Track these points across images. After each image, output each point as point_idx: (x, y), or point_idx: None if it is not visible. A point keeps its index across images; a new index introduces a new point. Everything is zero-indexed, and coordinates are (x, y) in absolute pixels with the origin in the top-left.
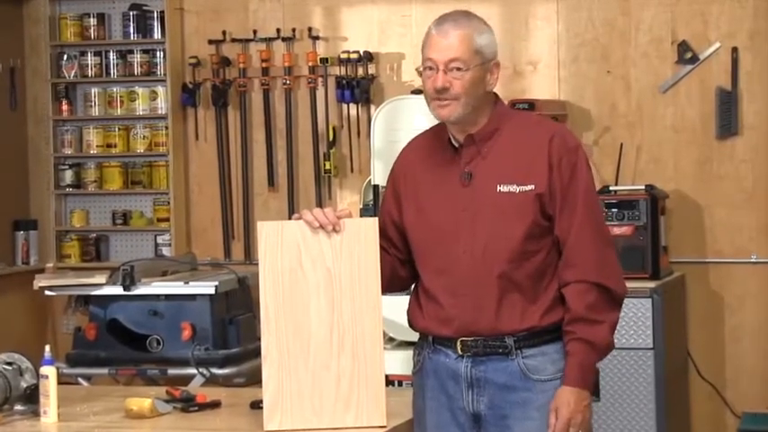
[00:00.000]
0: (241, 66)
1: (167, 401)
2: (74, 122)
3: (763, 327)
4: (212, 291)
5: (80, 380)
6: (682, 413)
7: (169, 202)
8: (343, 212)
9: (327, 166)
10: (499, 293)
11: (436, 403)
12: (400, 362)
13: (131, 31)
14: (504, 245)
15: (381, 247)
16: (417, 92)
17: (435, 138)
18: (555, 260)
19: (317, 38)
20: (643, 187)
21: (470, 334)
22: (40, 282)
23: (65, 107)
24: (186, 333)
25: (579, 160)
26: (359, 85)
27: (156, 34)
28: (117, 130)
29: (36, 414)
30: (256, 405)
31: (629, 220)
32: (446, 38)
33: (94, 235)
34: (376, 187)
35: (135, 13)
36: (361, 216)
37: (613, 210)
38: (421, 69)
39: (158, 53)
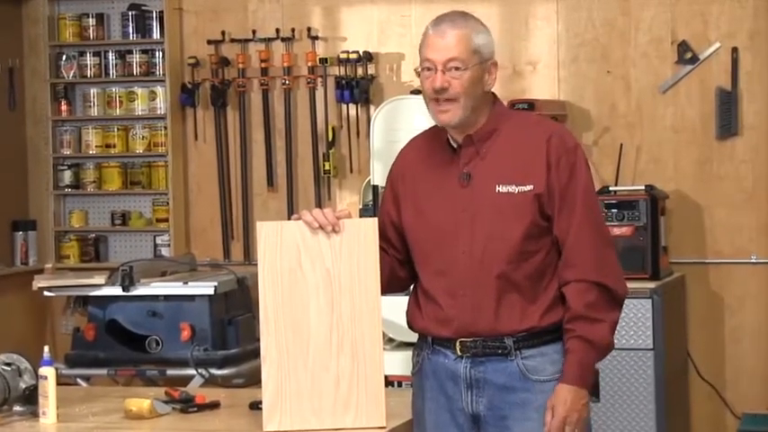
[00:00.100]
0: (240, 66)
1: (166, 402)
2: (73, 123)
3: (763, 327)
4: (211, 291)
5: (79, 380)
6: (682, 414)
7: (168, 203)
8: (342, 213)
9: (327, 167)
10: (498, 294)
11: (435, 404)
12: (399, 362)
13: (130, 31)
14: (502, 245)
15: (380, 248)
16: (417, 92)
17: (434, 138)
18: (554, 260)
19: (316, 38)
20: (643, 187)
21: (469, 335)
22: (38, 282)
23: (64, 107)
24: (185, 334)
25: (578, 160)
26: (358, 85)
27: (155, 34)
28: (116, 130)
29: (35, 415)
30: (255, 406)
31: (629, 220)
32: (444, 38)
33: (93, 235)
34: (375, 188)
35: (134, 13)
36: (360, 216)
37: (613, 210)
38: (419, 70)
39: (157, 53)
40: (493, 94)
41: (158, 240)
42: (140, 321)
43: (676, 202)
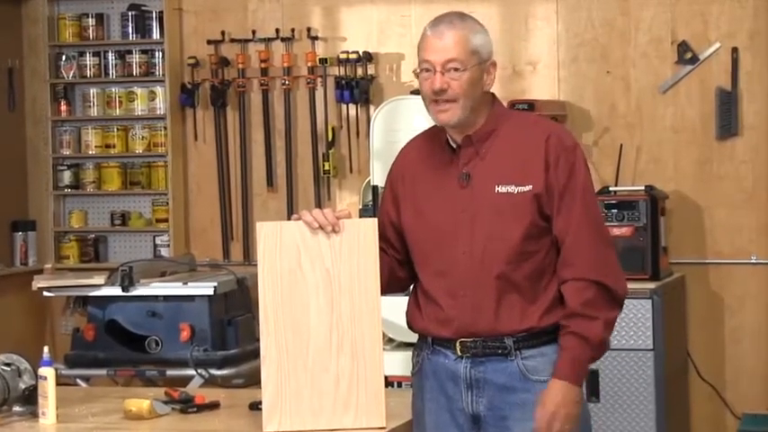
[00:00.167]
0: (240, 66)
1: (166, 402)
2: (72, 123)
3: (763, 328)
4: (211, 291)
5: (79, 381)
6: (682, 414)
7: (168, 203)
8: (342, 213)
9: (326, 167)
10: (498, 294)
11: (435, 404)
12: (399, 363)
13: (130, 31)
14: (502, 246)
15: (380, 249)
16: (416, 92)
17: (433, 139)
18: (554, 261)
19: (316, 38)
20: (643, 188)
21: (469, 335)
22: (38, 283)
23: (63, 107)
24: (185, 334)
25: (577, 160)
26: (358, 85)
27: (155, 34)
28: (116, 130)
29: (34, 415)
30: (255, 406)
31: (629, 220)
32: (442, 39)
33: (93, 236)
34: (375, 188)
35: (134, 13)
36: (360, 217)
37: (613, 210)
38: (418, 72)
39: (157, 53)
40: (492, 94)
41: (158, 241)
42: (140, 322)
43: (676, 202)
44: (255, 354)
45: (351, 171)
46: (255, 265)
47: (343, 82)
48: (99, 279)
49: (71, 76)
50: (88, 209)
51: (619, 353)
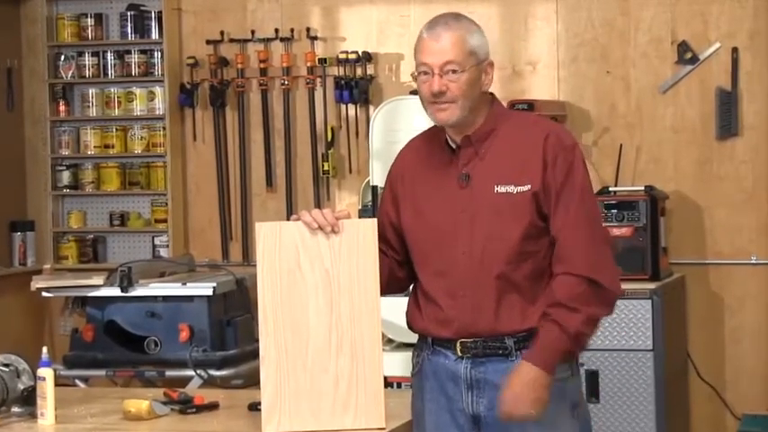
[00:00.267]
0: (239, 66)
1: (165, 403)
2: (71, 123)
3: (763, 328)
4: (210, 292)
5: (77, 381)
6: (681, 415)
7: (167, 203)
8: (341, 213)
9: (326, 167)
10: (498, 294)
11: (435, 405)
12: (399, 363)
13: (129, 31)
14: (501, 246)
15: (379, 249)
16: (416, 92)
17: (433, 139)
18: None
19: (315, 38)
20: (643, 188)
21: (470, 335)
22: (37, 283)
23: (62, 108)
24: (184, 334)
25: (575, 159)
26: (357, 85)
27: (154, 34)
28: (114, 130)
29: (33, 416)
30: (254, 407)
31: (629, 221)
32: (439, 41)
33: (92, 236)
34: (375, 188)
35: (132, 13)
36: (359, 217)
37: (613, 211)
38: (416, 74)
39: (156, 53)
40: (491, 94)
41: (157, 241)
42: (139, 322)
43: (676, 202)
44: (255, 354)
45: (350, 171)
46: (254, 265)
47: (343, 82)
48: (98, 279)
49: (70, 76)
50: (87, 209)
51: (618, 353)
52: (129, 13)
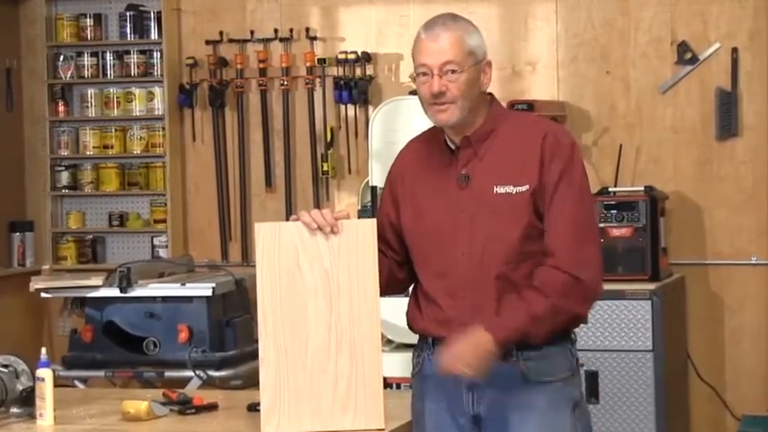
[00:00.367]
0: (238, 66)
1: (164, 404)
2: (70, 123)
3: (763, 329)
4: (209, 293)
5: (76, 382)
6: (681, 415)
7: (166, 204)
8: (340, 214)
9: (325, 167)
10: (498, 295)
11: (436, 405)
12: (398, 364)
13: (128, 31)
14: (501, 246)
15: (379, 250)
16: (415, 93)
17: (432, 140)
18: None
19: (314, 38)
20: (642, 188)
21: None
22: (36, 284)
23: (61, 108)
24: (183, 335)
25: (572, 159)
26: (357, 85)
27: (153, 35)
28: (113, 131)
29: (32, 417)
30: (253, 408)
31: (629, 221)
32: (437, 41)
33: (91, 236)
34: (374, 188)
35: (132, 13)
36: (358, 217)
37: (612, 211)
38: (414, 76)
39: (155, 54)
40: (490, 94)
41: (156, 241)
42: (138, 323)
43: (676, 202)
44: (254, 355)
45: (349, 172)
46: (254, 265)
47: (342, 82)
48: (97, 280)
49: (69, 76)
50: (86, 209)
51: (618, 354)
52: (128, 14)
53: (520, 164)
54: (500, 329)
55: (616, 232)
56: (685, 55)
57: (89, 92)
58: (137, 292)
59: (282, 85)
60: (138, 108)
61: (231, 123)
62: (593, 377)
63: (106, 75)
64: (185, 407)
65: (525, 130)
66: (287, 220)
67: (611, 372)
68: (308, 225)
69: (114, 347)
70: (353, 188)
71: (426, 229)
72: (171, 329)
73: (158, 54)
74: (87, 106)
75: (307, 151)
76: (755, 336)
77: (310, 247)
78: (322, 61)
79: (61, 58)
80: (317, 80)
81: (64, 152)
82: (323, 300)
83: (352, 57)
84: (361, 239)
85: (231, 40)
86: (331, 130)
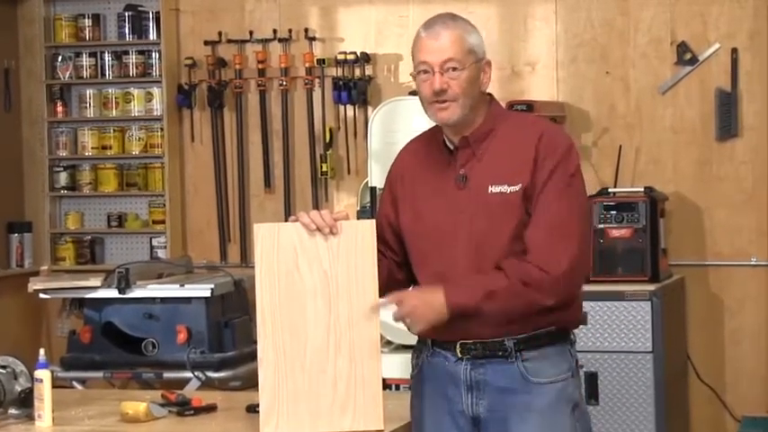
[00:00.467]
0: (237, 67)
1: (163, 405)
2: (69, 124)
3: (763, 329)
4: (208, 293)
5: (75, 383)
6: (681, 417)
7: (164, 204)
8: (340, 215)
9: (324, 168)
10: None
11: (435, 406)
12: (398, 365)
13: (126, 31)
14: (494, 246)
15: (378, 251)
16: (415, 93)
17: (431, 140)
18: None
19: (313, 39)
20: (642, 189)
21: (470, 337)
22: (34, 285)
23: (59, 108)
24: (182, 336)
25: (565, 159)
26: (356, 86)
27: (152, 35)
28: (112, 131)
29: (30, 418)
30: (252, 409)
31: (629, 222)
32: (438, 39)
33: (89, 237)
34: (373, 189)
35: (130, 13)
36: (357, 218)
37: (612, 212)
38: (415, 74)
39: (154, 54)
40: (489, 94)
41: (155, 242)
42: (136, 324)
43: (676, 203)
44: (253, 356)
45: (348, 172)
46: (252, 266)
47: (341, 83)
48: (95, 281)
49: (67, 76)
50: (84, 210)
51: (618, 355)
52: (126, 14)
53: (516, 164)
54: (455, 296)
55: (616, 233)
56: (685, 55)
57: (87, 92)
58: (135, 292)
59: (281, 85)
60: (136, 108)
61: (230, 124)
62: (592, 378)
63: (105, 75)
64: (184, 408)
65: (523, 131)
66: (286, 220)
67: (611, 373)
68: (306, 226)
69: (113, 348)
70: (352, 189)
71: (426, 230)
72: (170, 330)
73: (157, 54)
74: (86, 107)
75: (306, 152)
76: (755, 337)
77: (309, 248)
78: (321, 62)
79: (59, 58)
80: (316, 80)
81: (62, 153)
82: (322, 301)
83: (351, 57)
84: (360, 240)
85: (230, 41)
86: (330, 130)
